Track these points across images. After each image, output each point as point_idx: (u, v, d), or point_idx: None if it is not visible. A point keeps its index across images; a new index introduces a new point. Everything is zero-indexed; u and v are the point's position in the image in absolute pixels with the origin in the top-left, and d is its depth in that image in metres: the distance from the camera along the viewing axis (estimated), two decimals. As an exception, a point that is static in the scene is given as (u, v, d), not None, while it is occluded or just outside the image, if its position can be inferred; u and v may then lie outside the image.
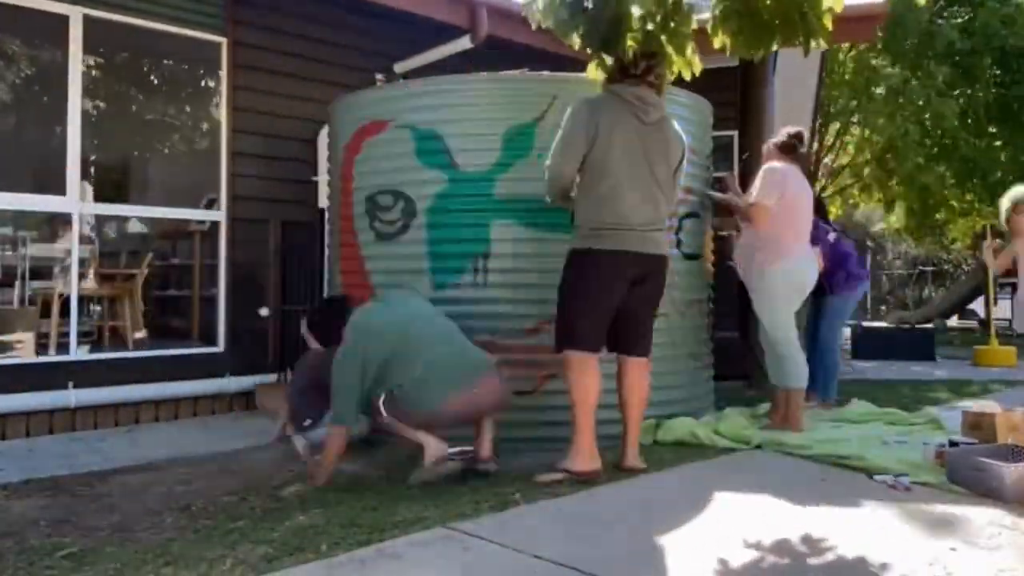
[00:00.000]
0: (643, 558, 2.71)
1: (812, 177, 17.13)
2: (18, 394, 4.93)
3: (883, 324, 17.55)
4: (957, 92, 13.65)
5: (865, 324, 12.02)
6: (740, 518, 3.17)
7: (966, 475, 3.55)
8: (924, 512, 3.26)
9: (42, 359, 5.36)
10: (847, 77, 14.93)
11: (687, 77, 3.98)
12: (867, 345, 10.70)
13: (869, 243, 25.69)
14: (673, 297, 4.77)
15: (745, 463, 4.11)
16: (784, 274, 4.74)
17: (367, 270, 4.88)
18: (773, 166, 4.91)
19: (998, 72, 13.88)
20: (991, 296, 12.39)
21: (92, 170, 7.34)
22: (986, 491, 3.42)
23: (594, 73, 3.99)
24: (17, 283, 6.60)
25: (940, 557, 2.70)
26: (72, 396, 5.10)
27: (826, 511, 3.26)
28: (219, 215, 6.00)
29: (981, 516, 3.16)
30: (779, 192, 4.75)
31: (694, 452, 4.31)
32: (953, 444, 3.95)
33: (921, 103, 13.00)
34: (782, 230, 4.76)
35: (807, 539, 2.91)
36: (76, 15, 5.30)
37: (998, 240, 5.55)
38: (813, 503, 3.36)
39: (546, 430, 4.48)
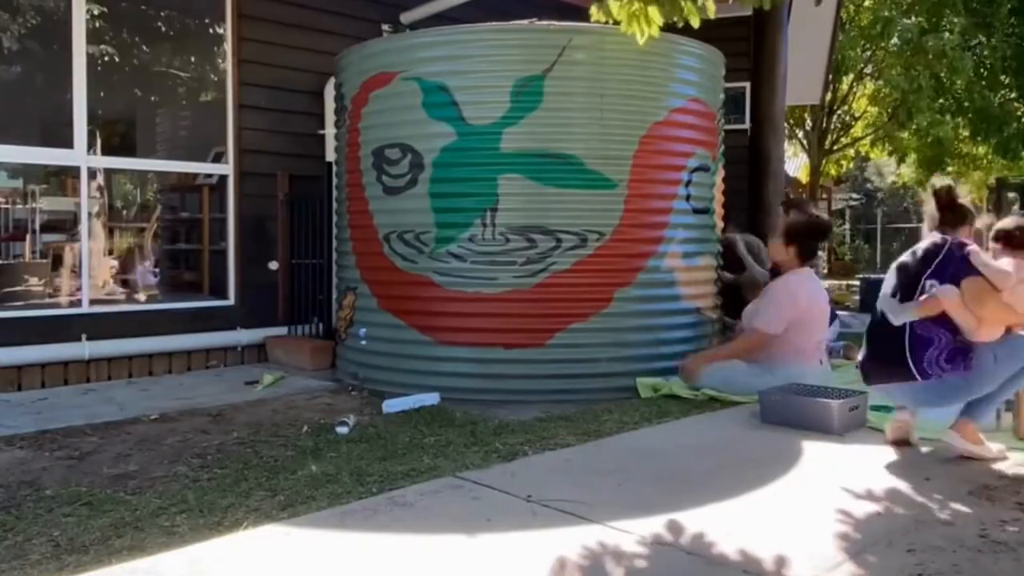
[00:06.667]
0: (636, 501, 2.76)
1: (823, 133, 16.93)
2: (32, 346, 4.99)
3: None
4: (974, 43, 13.40)
5: (872, 277, 12.01)
6: (727, 457, 3.23)
7: (797, 415, 3.80)
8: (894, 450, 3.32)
9: (55, 311, 5.40)
10: (862, 25, 14.66)
11: (695, 24, 3.82)
12: (875, 298, 10.67)
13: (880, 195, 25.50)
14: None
15: (732, 413, 4.16)
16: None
17: (375, 224, 4.88)
18: (787, 281, 4.64)
19: (1014, 22, 13.60)
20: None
21: (99, 123, 7.31)
22: (818, 426, 3.70)
23: (597, 16, 3.88)
24: (28, 236, 6.63)
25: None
26: (86, 348, 5.15)
27: (817, 451, 3.31)
28: (227, 169, 5.98)
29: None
30: (790, 317, 4.53)
31: (694, 405, 4.35)
32: None
33: (932, 56, 12.77)
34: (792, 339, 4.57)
35: (796, 478, 2.96)
36: (79, -36, 5.24)
37: None
38: (810, 446, 3.41)
39: (555, 383, 4.54)
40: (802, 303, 4.57)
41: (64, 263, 5.78)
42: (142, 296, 6.27)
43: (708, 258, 5.18)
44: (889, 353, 3.43)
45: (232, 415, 4.21)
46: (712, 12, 3.79)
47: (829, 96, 15.42)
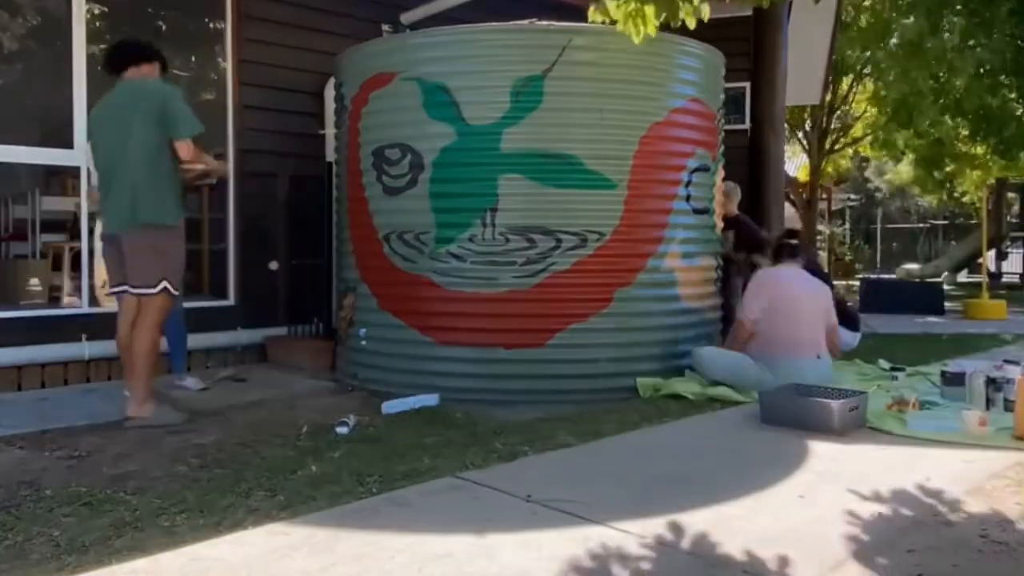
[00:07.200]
0: (636, 501, 2.76)
1: (823, 133, 16.92)
2: (32, 346, 4.99)
3: (892, 277, 17.50)
4: (972, 43, 13.38)
5: (872, 277, 12.05)
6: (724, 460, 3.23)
7: (796, 415, 3.79)
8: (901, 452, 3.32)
9: (55, 311, 5.40)
10: (862, 25, 14.66)
11: (691, 25, 3.79)
12: (876, 299, 10.71)
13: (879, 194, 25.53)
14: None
15: (732, 413, 4.16)
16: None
17: (375, 224, 4.88)
18: (758, 273, 5.00)
19: (1014, 23, 13.57)
20: (984, 248, 12.91)
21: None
22: (817, 426, 3.70)
23: (595, 16, 3.87)
24: (28, 236, 6.63)
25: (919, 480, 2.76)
26: (86, 348, 5.15)
27: (817, 452, 3.32)
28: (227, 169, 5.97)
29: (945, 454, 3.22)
30: (762, 304, 4.71)
31: (695, 405, 4.36)
32: None
33: (934, 61, 12.77)
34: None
35: (796, 478, 2.96)
36: (79, -36, 5.24)
37: None
38: (810, 446, 3.42)
39: (555, 383, 4.54)
40: (769, 290, 4.75)
41: (64, 263, 5.78)
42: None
43: (708, 258, 5.18)
44: None
45: (232, 415, 4.21)
46: (706, 14, 3.76)
47: (829, 96, 15.42)
